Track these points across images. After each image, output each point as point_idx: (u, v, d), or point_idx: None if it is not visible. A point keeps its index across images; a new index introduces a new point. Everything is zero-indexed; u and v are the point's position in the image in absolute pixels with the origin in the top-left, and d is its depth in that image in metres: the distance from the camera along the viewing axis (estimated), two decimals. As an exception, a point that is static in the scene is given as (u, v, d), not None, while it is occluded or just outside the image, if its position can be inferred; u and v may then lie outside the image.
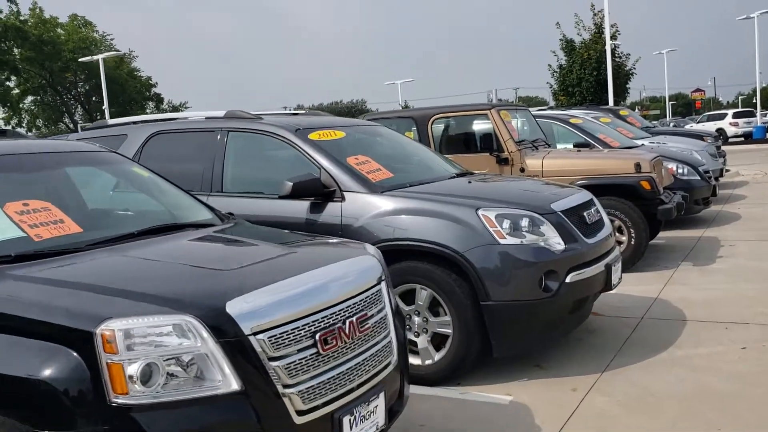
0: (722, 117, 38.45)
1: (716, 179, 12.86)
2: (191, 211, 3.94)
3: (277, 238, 3.75)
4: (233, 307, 2.50)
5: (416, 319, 4.53)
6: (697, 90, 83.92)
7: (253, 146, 5.32)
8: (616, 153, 8.62)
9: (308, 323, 2.67)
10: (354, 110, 55.09)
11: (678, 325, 5.56)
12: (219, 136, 5.28)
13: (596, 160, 7.87)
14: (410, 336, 4.46)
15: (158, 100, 57.84)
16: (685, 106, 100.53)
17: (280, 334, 2.57)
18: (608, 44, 21.50)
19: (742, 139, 36.16)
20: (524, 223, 4.48)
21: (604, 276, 4.84)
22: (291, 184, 4.61)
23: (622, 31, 23.06)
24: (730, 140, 36.27)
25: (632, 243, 7.43)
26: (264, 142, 5.22)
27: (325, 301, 2.78)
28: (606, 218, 5.41)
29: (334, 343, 2.74)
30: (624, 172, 7.61)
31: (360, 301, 2.97)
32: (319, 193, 4.74)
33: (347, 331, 2.82)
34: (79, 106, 54.91)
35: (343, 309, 2.84)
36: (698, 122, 40.26)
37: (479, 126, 8.34)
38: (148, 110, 57.45)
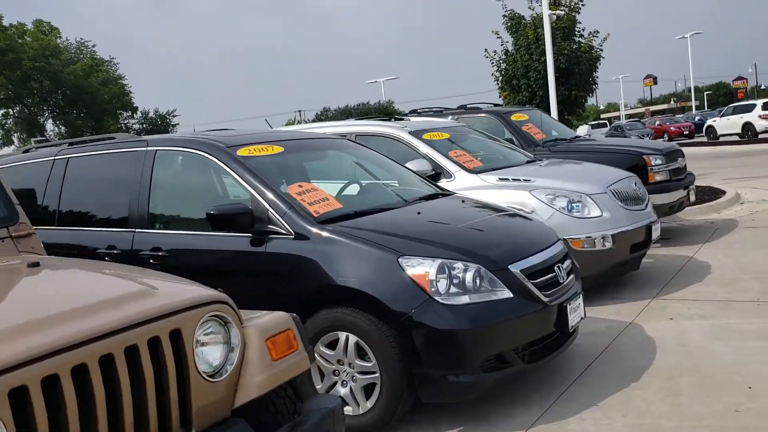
0: (750, 108, 31.10)
1: (644, 242, 6.56)
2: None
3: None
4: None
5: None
6: (739, 78, 74.93)
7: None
8: None
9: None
10: (381, 111, 52.64)
11: None
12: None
13: None
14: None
15: (132, 109, 52.80)
16: (727, 96, 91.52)
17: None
18: (546, 14, 14.67)
19: (776, 134, 29.10)
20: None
21: None
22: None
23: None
24: (761, 136, 29.28)
25: None
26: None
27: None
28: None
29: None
30: None
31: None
32: None
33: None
34: (51, 119, 50.47)
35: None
36: (722, 115, 33.15)
37: None
38: (121, 120, 52.34)
